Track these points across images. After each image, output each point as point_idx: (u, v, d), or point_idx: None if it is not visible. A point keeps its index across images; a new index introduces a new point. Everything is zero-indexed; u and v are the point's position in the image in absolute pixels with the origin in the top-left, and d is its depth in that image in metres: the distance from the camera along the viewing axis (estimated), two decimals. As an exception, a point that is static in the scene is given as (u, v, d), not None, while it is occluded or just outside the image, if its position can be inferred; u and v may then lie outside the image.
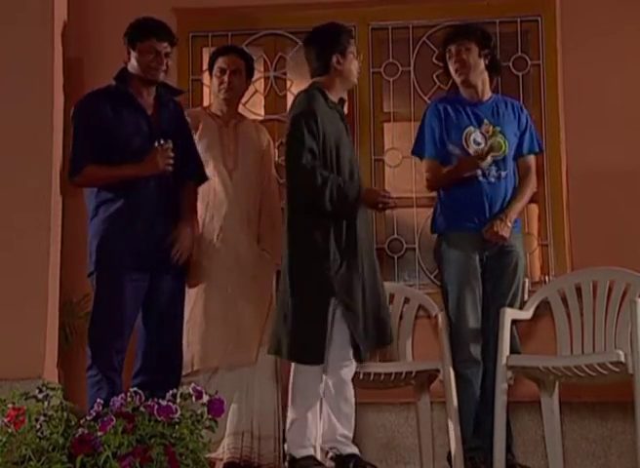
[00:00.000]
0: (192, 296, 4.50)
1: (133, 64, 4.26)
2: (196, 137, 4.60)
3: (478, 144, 4.57)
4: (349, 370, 4.21)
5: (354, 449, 4.17)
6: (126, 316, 4.15)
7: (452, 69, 4.62)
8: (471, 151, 4.53)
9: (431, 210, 4.77)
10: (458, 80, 4.63)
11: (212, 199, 4.56)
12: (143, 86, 4.28)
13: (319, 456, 4.21)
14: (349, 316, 4.13)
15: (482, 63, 4.60)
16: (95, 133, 4.18)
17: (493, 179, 4.53)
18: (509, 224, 4.46)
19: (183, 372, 4.40)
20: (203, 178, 4.44)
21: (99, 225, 4.18)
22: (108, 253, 4.15)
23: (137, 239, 4.15)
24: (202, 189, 4.54)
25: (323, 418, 4.20)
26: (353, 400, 4.22)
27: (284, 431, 4.30)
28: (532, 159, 4.71)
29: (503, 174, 4.55)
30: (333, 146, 4.23)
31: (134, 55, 4.25)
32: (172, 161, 4.21)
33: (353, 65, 4.37)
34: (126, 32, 4.29)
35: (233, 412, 4.37)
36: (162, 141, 4.19)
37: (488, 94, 4.67)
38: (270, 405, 4.43)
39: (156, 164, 4.17)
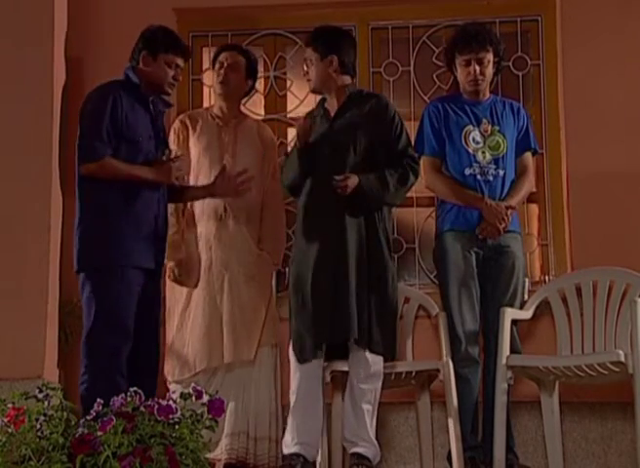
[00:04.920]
0: (194, 297, 4.51)
1: (149, 71, 4.19)
2: (194, 137, 4.61)
3: (477, 143, 4.56)
4: (371, 368, 4.19)
5: (359, 449, 4.15)
6: (132, 316, 4.05)
7: (464, 77, 4.57)
8: (470, 150, 4.53)
9: (431, 209, 4.77)
10: (468, 88, 4.59)
11: (209, 199, 4.54)
12: (148, 92, 4.21)
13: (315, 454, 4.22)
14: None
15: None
16: (116, 124, 4.08)
17: (491, 178, 4.52)
18: (506, 218, 4.43)
19: (186, 375, 4.42)
20: None
21: (107, 218, 4.07)
22: (123, 248, 4.05)
23: (145, 237, 4.12)
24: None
25: (343, 415, 4.23)
26: (375, 399, 4.21)
27: (282, 431, 4.30)
28: (528, 157, 4.67)
29: (501, 172, 4.53)
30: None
31: (152, 63, 4.19)
32: (183, 174, 4.32)
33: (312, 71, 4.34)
34: (147, 39, 4.21)
35: (231, 413, 4.36)
36: (178, 153, 4.30)
37: (487, 94, 4.67)
38: (266, 406, 4.41)
39: (170, 175, 4.18)
